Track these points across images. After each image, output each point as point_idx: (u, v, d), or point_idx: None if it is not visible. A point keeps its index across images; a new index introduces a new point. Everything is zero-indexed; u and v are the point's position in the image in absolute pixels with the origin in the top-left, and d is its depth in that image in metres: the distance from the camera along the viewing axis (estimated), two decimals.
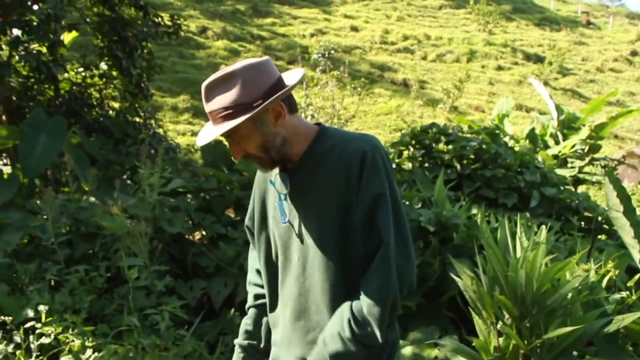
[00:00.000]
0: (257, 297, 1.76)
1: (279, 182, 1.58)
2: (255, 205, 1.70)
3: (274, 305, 1.68)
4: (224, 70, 1.45)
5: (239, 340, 1.78)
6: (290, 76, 1.52)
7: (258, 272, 1.76)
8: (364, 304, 1.44)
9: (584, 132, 7.99)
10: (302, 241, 1.54)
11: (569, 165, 7.78)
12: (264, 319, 1.75)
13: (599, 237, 4.86)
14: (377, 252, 1.45)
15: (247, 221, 1.75)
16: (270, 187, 1.64)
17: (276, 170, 1.60)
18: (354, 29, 18.17)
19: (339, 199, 1.47)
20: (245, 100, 1.42)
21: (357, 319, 1.43)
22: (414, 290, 1.55)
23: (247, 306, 1.81)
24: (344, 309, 1.47)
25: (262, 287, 1.74)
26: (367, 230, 1.46)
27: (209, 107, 1.46)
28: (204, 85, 1.46)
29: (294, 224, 1.55)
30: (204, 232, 4.07)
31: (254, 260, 1.78)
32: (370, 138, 1.51)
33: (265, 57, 1.53)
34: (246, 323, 1.78)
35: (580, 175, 7.60)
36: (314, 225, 1.51)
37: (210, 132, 1.47)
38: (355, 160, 1.46)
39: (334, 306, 1.51)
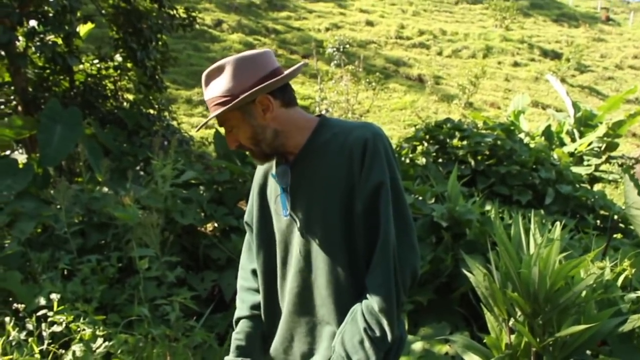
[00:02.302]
0: (253, 307, 1.69)
1: (279, 174, 1.55)
2: (254, 201, 1.67)
3: (271, 303, 1.65)
4: (221, 60, 1.48)
5: (231, 358, 1.68)
6: (290, 69, 1.51)
7: (254, 273, 1.70)
8: (374, 305, 1.42)
9: (601, 130, 7.90)
10: (304, 234, 1.51)
11: (585, 163, 7.70)
12: (258, 332, 1.68)
13: (615, 235, 4.79)
14: (378, 243, 1.43)
15: (246, 217, 1.72)
16: (270, 180, 1.62)
17: (278, 162, 1.58)
18: (370, 23, 18.09)
19: (342, 189, 1.46)
20: (234, 91, 1.44)
21: (372, 328, 1.41)
22: (418, 279, 1.53)
23: (237, 317, 1.71)
24: (358, 316, 1.44)
25: (257, 292, 1.69)
26: (368, 219, 1.45)
27: (206, 95, 1.50)
28: (203, 74, 1.50)
29: (296, 217, 1.52)
30: (215, 224, 4.08)
31: (248, 261, 1.72)
32: (372, 126, 1.49)
33: (264, 50, 1.53)
34: (238, 338, 1.68)
35: (597, 174, 7.52)
36: (317, 217, 1.48)
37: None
38: (357, 148, 1.44)
39: (339, 298, 1.49)
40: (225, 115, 1.46)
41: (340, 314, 1.49)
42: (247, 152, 1.55)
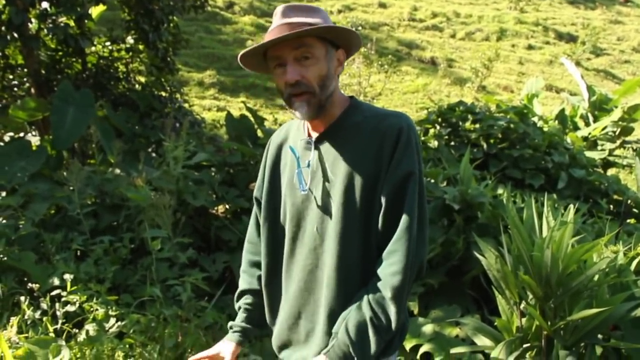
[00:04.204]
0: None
1: (301, 148, 1.54)
2: (265, 174, 1.65)
3: (273, 278, 1.63)
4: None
5: (242, 324, 1.70)
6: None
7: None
8: (386, 292, 1.40)
9: (616, 114, 7.80)
10: (323, 212, 1.49)
11: (599, 147, 7.61)
12: (263, 306, 1.69)
13: (629, 220, 4.75)
14: (397, 231, 1.41)
15: (255, 192, 1.70)
16: (286, 154, 1.60)
17: (299, 136, 1.56)
18: (382, 5, 17.89)
19: (368, 172, 1.44)
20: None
21: (379, 316, 1.40)
22: (423, 275, 1.52)
23: (246, 288, 1.72)
24: (363, 303, 1.42)
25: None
26: (391, 207, 1.43)
27: (286, 19, 1.40)
28: (281, 6, 1.43)
29: (316, 194, 1.50)
30: (227, 206, 4.09)
31: (258, 236, 1.71)
32: (406, 116, 1.48)
33: None
34: (248, 304, 1.71)
35: (611, 158, 7.44)
36: (338, 196, 1.46)
37: (287, 31, 1.37)
38: (391, 134, 1.43)
39: (346, 281, 1.47)
40: (311, 40, 1.40)
41: (344, 296, 1.47)
42: (299, 97, 1.43)
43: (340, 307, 1.48)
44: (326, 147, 1.50)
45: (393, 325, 1.40)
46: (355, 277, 1.47)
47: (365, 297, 1.43)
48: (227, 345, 1.69)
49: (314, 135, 1.53)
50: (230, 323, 1.74)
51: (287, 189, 1.57)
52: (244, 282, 1.73)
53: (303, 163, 1.53)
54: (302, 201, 1.53)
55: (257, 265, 1.71)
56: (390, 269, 1.40)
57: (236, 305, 1.75)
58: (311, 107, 1.44)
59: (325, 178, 1.49)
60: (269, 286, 1.65)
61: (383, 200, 1.43)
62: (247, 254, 1.75)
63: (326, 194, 1.49)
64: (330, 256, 1.48)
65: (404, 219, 1.41)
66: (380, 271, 1.42)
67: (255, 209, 1.73)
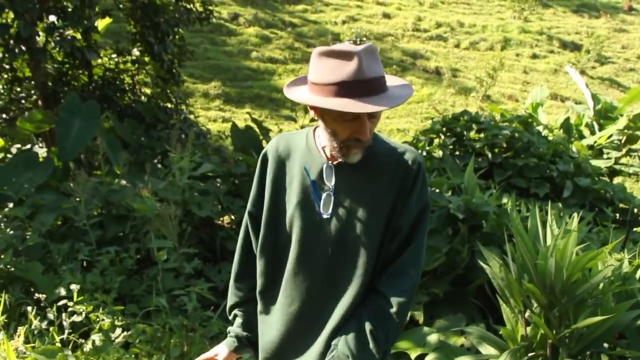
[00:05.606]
0: (252, 292, 1.70)
1: (319, 171, 1.54)
2: (266, 190, 1.61)
3: (272, 297, 1.63)
4: (363, 44, 1.42)
5: (238, 331, 1.71)
6: None
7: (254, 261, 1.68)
8: (391, 306, 1.48)
9: (622, 122, 7.77)
10: (342, 235, 1.52)
11: (605, 156, 7.59)
12: (256, 316, 1.69)
13: (635, 229, 4.74)
14: (408, 253, 1.51)
15: (250, 207, 1.67)
16: (291, 171, 1.58)
17: (315, 158, 1.56)
18: (386, 15, 17.97)
19: (389, 200, 1.51)
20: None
21: (378, 329, 1.47)
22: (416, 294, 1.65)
23: (241, 300, 1.72)
24: (363, 317, 1.50)
25: (254, 284, 1.68)
26: (408, 233, 1.52)
27: (369, 73, 1.37)
28: (357, 49, 1.37)
29: (335, 218, 1.52)
30: (232, 216, 4.11)
31: (249, 252, 1.70)
32: (416, 150, 1.58)
33: None
34: (244, 317, 1.72)
35: (616, 167, 7.41)
36: (361, 222, 1.51)
37: (385, 101, 1.37)
38: (412, 168, 1.53)
39: (356, 297, 1.52)
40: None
41: (352, 313, 1.52)
42: (359, 147, 1.47)
43: (345, 322, 1.53)
44: (348, 173, 1.53)
45: (392, 338, 1.49)
46: (363, 295, 1.53)
47: (365, 311, 1.50)
48: (222, 349, 1.71)
49: (334, 160, 1.54)
50: (228, 328, 1.75)
51: (297, 209, 1.55)
52: (236, 296, 1.73)
53: (323, 187, 1.54)
54: (317, 224, 1.53)
55: (249, 275, 1.70)
56: (400, 286, 1.49)
57: (230, 316, 1.75)
58: (363, 153, 1.50)
59: (349, 203, 1.52)
60: (267, 306, 1.65)
61: (401, 227, 1.52)
62: (242, 265, 1.73)
63: (346, 219, 1.52)
64: (345, 277, 1.53)
65: (416, 243, 1.52)
66: (386, 288, 1.50)
67: (247, 224, 1.70)
